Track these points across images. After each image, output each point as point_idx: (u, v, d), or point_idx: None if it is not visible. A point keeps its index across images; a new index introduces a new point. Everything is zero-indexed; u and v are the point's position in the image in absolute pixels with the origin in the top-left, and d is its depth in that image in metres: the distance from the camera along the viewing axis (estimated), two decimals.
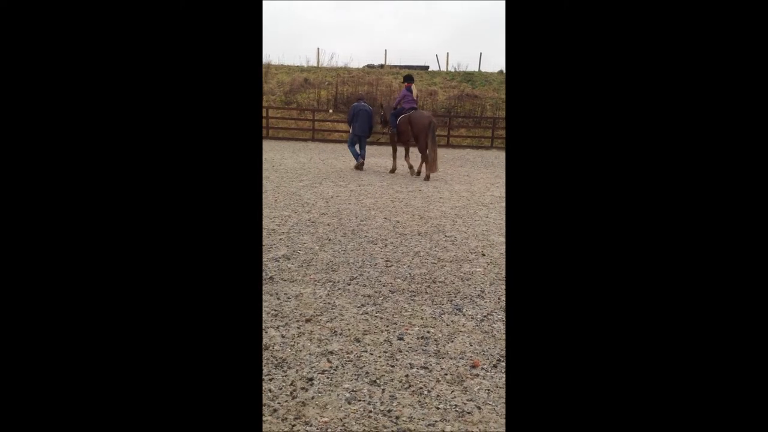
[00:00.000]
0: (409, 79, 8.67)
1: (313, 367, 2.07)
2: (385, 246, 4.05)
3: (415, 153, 9.51)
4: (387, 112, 9.09)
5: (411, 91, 8.55)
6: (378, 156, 11.37)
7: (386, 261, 3.64)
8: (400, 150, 9.43)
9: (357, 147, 9.27)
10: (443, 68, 21.48)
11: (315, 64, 21.17)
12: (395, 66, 21.13)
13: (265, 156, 10.61)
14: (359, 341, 2.33)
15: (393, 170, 8.89)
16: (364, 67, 21.31)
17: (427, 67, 21.27)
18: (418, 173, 8.45)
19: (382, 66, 21.27)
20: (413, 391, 1.93)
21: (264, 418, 1.70)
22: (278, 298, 2.81)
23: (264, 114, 16.31)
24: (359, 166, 9.05)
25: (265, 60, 21.15)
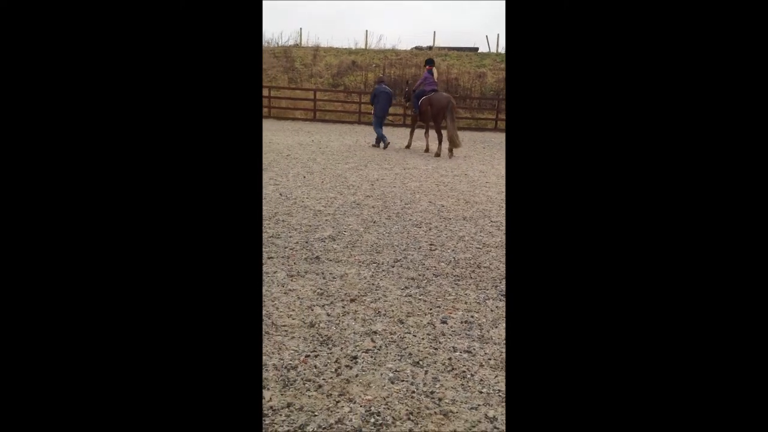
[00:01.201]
0: (430, 62, 9.18)
1: (357, 345, 2.11)
2: (430, 230, 4.04)
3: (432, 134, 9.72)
4: (410, 91, 9.69)
5: (432, 74, 9.02)
6: (421, 139, 11.33)
7: (430, 244, 3.63)
8: (419, 132, 10.07)
9: (382, 129, 9.71)
10: (493, 50, 20.96)
11: (363, 47, 21.11)
12: (444, 48, 20.78)
13: (311, 138, 10.76)
14: (403, 323, 2.35)
15: (408, 146, 9.65)
16: (412, 49, 21.08)
17: (477, 49, 20.80)
18: (437, 154, 8.77)
19: (430, 48, 20.96)
20: (456, 374, 1.93)
21: (309, 394, 1.75)
22: (324, 278, 2.86)
23: (312, 96, 16.47)
24: (385, 146, 9.49)
25: (313, 42, 21.30)
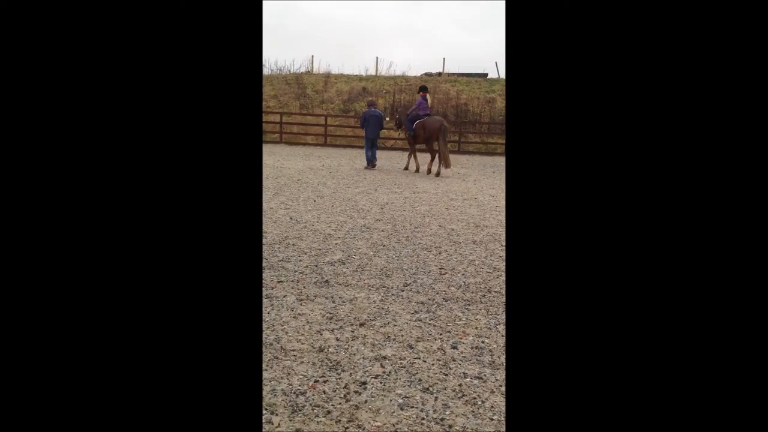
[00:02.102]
0: (423, 89, 10.07)
1: (367, 371, 2.08)
2: (439, 253, 4.02)
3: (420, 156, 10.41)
4: (402, 116, 10.57)
5: (426, 100, 9.89)
6: (434, 165, 11.42)
7: (440, 268, 3.61)
8: (422, 155, 10.66)
9: (370, 152, 10.32)
10: (502, 76, 21.17)
11: (373, 73, 21.44)
12: (453, 74, 21.03)
13: (322, 163, 10.86)
14: (412, 348, 2.32)
15: (406, 167, 10.28)
16: (422, 75, 21.36)
17: (486, 75, 21.04)
18: (428, 172, 9.62)
19: (440, 74, 21.23)
20: (467, 400, 1.90)
21: (318, 420, 1.73)
22: (333, 302, 2.85)
23: (323, 122, 16.68)
24: (372, 167, 10.13)
25: (324, 69, 21.67)
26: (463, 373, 2.10)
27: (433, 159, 9.57)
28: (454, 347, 2.35)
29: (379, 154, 10.90)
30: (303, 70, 21.62)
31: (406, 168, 10.24)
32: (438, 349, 2.33)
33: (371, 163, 10.20)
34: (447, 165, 9.34)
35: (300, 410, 1.78)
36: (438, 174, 9.37)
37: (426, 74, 21.42)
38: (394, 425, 1.72)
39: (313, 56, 26.30)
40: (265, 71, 21.73)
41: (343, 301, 2.87)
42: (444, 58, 25.70)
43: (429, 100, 10.05)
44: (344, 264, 3.60)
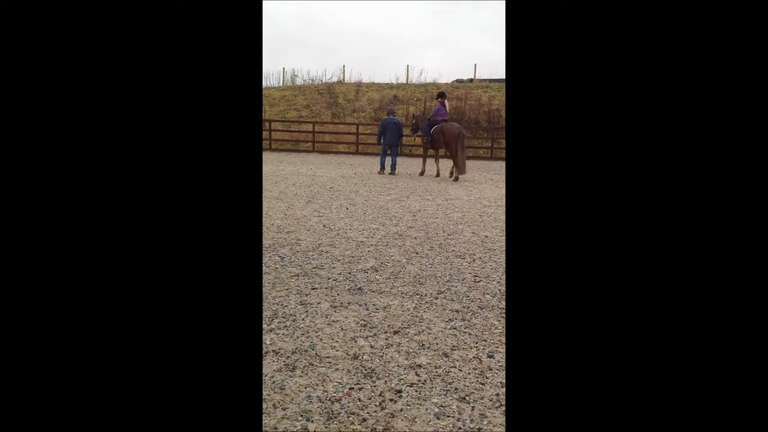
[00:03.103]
0: (442, 95, 10.27)
1: (402, 379, 2.06)
2: (473, 261, 3.97)
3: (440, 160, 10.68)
4: (419, 121, 10.87)
5: (444, 106, 10.07)
6: (467, 170, 11.36)
7: (474, 276, 3.56)
8: (431, 160, 10.94)
9: (386, 158, 10.70)
10: None
11: (404, 81, 21.51)
12: (485, 80, 20.90)
13: (354, 171, 10.93)
14: (448, 356, 2.29)
15: (422, 173, 10.41)
16: (453, 81, 21.31)
17: None
18: (451, 176, 9.90)
19: (471, 80, 21.13)
20: (504, 411, 1.85)
21: (354, 427, 1.72)
22: (367, 309, 2.85)
23: (354, 130, 16.81)
24: (381, 171, 10.47)
25: (355, 79, 21.87)
26: (500, 383, 2.06)
27: (456, 163, 9.73)
28: (491, 356, 2.30)
29: (398, 160, 11.15)
30: (335, 79, 21.88)
31: (422, 173, 10.46)
32: (474, 357, 2.29)
33: (393, 168, 10.47)
34: (462, 171, 9.59)
35: (335, 417, 1.78)
36: (456, 179, 9.61)
37: (457, 81, 21.35)
38: None
39: (344, 66, 26.60)
40: (298, 81, 22.11)
41: (377, 309, 2.86)
42: (475, 64, 25.66)
43: (447, 107, 10.24)
44: (377, 271, 3.59)
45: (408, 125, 11.54)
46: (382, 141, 10.60)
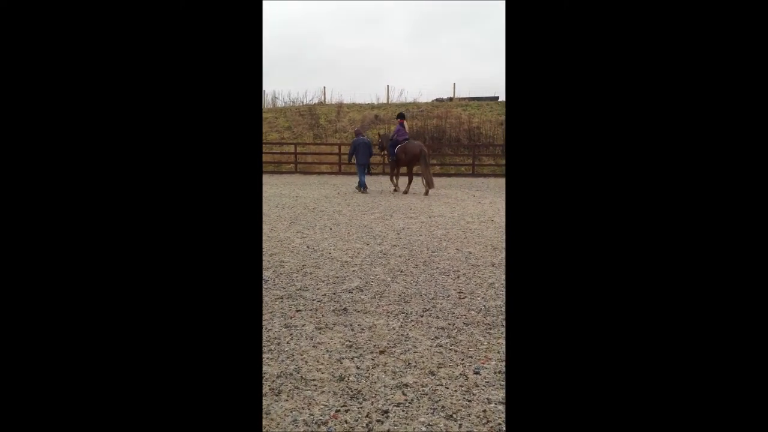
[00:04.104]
0: (401, 116, 11.09)
1: (388, 399, 2.05)
2: (458, 277, 3.98)
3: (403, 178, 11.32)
4: (385, 141, 11.49)
5: (404, 126, 10.85)
6: (449, 188, 11.47)
7: (459, 292, 3.57)
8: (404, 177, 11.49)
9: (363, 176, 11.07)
10: None
11: (385, 101, 21.73)
12: (464, 98, 21.21)
13: (337, 191, 10.94)
14: (434, 374, 2.28)
15: (395, 189, 10.99)
16: (433, 101, 21.58)
17: (497, 98, 21.16)
18: (405, 192, 10.56)
19: (450, 99, 21.43)
20: (492, 427, 1.85)
21: None
22: (352, 329, 2.83)
23: (337, 150, 16.87)
24: (364, 190, 10.82)
25: (336, 99, 22.04)
26: (487, 399, 2.05)
27: (411, 181, 10.51)
28: (477, 372, 2.30)
29: (367, 179, 11.67)
30: (316, 101, 22.02)
31: (395, 190, 11.01)
32: (460, 374, 2.28)
33: (362, 187, 10.83)
34: (430, 185, 10.15)
35: None
36: (426, 193, 10.14)
37: (437, 100, 21.63)
38: None
39: (325, 87, 26.79)
40: (279, 104, 22.19)
41: (362, 329, 2.85)
42: (454, 83, 26.02)
43: (406, 126, 11.01)
44: (362, 291, 3.58)
45: (375, 144, 12.29)
46: (354, 161, 11.07)
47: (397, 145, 10.63)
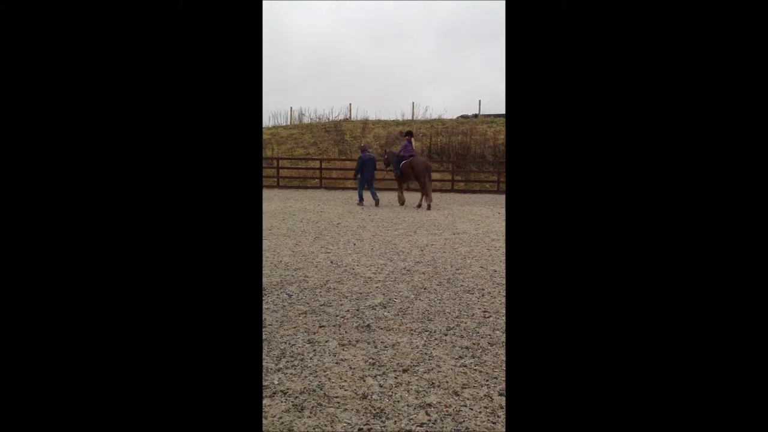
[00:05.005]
0: (409, 133, 11.58)
1: (412, 419, 2.03)
2: (483, 296, 3.94)
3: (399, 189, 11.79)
4: (390, 157, 11.96)
5: (411, 143, 11.31)
6: (473, 204, 11.41)
7: (484, 311, 3.53)
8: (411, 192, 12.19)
9: (363, 191, 11.61)
10: None
11: (410, 118, 21.85)
12: (489, 115, 21.17)
13: (360, 207, 10.99)
14: (458, 395, 2.25)
15: (402, 203, 11.47)
16: (458, 117, 21.61)
17: None
18: (418, 206, 11.02)
19: (476, 116, 21.42)
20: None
21: None
22: (375, 347, 2.82)
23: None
24: (361, 203, 11.36)
25: (362, 116, 22.26)
26: None
27: (423, 194, 10.79)
28: (502, 394, 2.26)
29: (367, 192, 12.06)
30: (341, 117, 22.28)
31: (402, 203, 11.48)
32: (485, 396, 2.24)
33: (371, 198, 11.18)
34: (429, 200, 10.57)
35: None
36: (429, 208, 10.51)
37: (462, 116, 21.65)
38: None
39: (350, 104, 27.10)
40: (305, 120, 22.52)
41: (386, 347, 2.83)
42: (480, 100, 26.04)
43: (414, 144, 11.54)
44: (385, 308, 3.57)
45: (381, 160, 12.81)
46: (358, 176, 11.46)
47: (403, 160, 11.09)
